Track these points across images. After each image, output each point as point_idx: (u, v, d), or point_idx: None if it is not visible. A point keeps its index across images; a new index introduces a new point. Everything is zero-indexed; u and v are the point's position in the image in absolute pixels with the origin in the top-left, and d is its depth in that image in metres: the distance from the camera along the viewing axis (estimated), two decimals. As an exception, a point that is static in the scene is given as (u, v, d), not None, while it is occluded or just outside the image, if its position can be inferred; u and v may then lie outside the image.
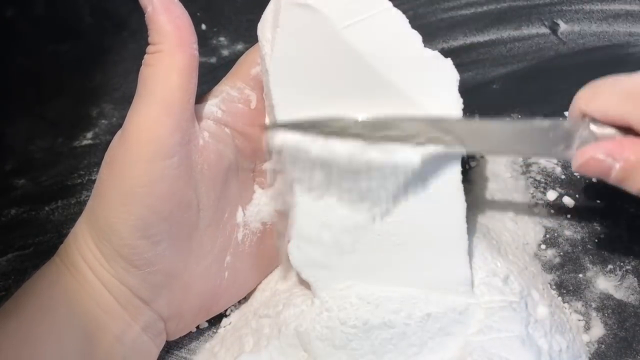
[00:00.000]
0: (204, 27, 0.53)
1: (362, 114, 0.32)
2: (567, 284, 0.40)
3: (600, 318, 0.39)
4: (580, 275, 0.40)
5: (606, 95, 0.31)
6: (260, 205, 0.37)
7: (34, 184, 0.46)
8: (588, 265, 0.41)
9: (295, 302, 0.35)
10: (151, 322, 0.35)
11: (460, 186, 0.34)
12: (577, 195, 0.43)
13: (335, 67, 0.33)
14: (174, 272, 0.34)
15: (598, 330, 0.38)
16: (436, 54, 0.34)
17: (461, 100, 0.33)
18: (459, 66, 0.34)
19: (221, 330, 0.39)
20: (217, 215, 0.36)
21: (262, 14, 0.35)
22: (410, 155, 0.32)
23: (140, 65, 0.33)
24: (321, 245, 0.34)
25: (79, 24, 0.54)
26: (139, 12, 0.33)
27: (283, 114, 0.34)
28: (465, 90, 0.33)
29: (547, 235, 0.42)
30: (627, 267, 0.40)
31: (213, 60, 0.52)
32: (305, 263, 0.34)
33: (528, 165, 0.45)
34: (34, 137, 0.48)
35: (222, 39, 0.53)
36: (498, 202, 0.43)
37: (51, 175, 0.46)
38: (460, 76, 0.34)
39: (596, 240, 0.41)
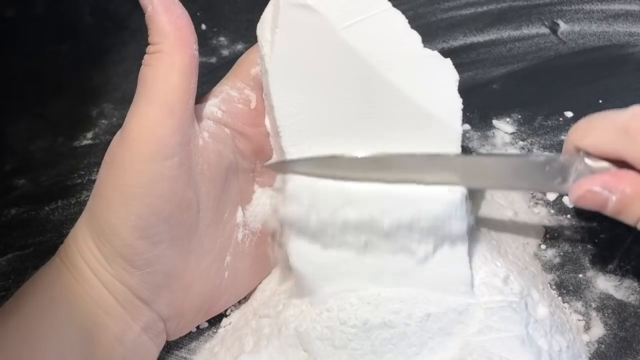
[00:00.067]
0: (204, 27, 0.53)
1: (361, 151, 0.32)
2: (567, 284, 0.40)
3: (600, 318, 0.39)
4: (580, 275, 0.40)
5: (599, 131, 0.32)
6: (260, 205, 0.37)
7: (34, 184, 0.46)
8: (588, 265, 0.41)
9: (295, 302, 0.35)
10: (151, 322, 0.35)
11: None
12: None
13: (334, 67, 0.33)
14: (174, 272, 0.34)
15: (598, 330, 0.38)
16: (435, 54, 0.34)
17: (460, 100, 0.33)
18: (459, 66, 0.34)
19: (221, 330, 0.39)
20: (217, 215, 0.36)
21: (262, 14, 0.35)
22: None
23: (140, 65, 0.33)
24: (321, 246, 0.34)
25: (79, 24, 0.54)
26: (139, 12, 0.33)
27: (283, 118, 0.33)
28: (465, 90, 0.34)
29: (547, 235, 0.42)
30: (627, 267, 0.40)
31: (213, 60, 0.52)
32: (305, 263, 0.34)
33: (528, 165, 0.45)
34: (34, 137, 0.48)
35: (222, 39, 0.53)
36: (498, 202, 0.43)
37: (51, 175, 0.46)
38: (460, 76, 0.34)
39: (596, 240, 0.41)
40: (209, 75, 0.47)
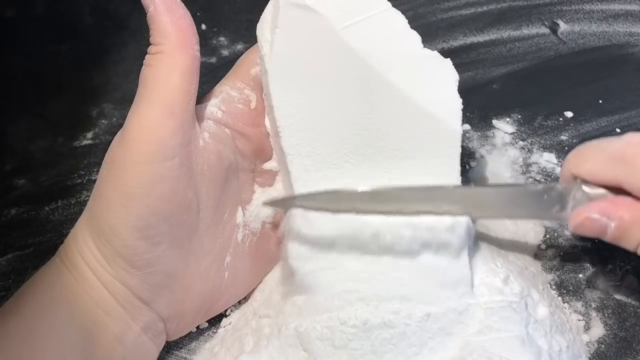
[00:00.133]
0: (204, 27, 0.53)
1: (362, 185, 0.33)
2: (567, 284, 0.40)
3: (600, 318, 0.39)
4: (580, 275, 0.40)
5: (595, 159, 0.32)
6: (260, 205, 0.37)
7: (34, 184, 0.46)
8: (588, 265, 0.41)
9: (295, 302, 0.35)
10: (151, 322, 0.35)
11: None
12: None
13: (334, 67, 0.33)
14: (174, 272, 0.34)
15: (598, 330, 0.38)
16: (435, 54, 0.34)
17: (460, 100, 0.33)
18: (459, 66, 0.34)
19: (221, 330, 0.39)
20: (217, 215, 0.36)
21: (261, 14, 0.35)
22: None
23: (140, 65, 0.33)
24: (321, 249, 0.34)
25: (79, 24, 0.54)
26: (139, 12, 0.33)
27: (283, 118, 0.34)
28: (465, 90, 0.34)
29: (547, 235, 0.42)
30: (627, 267, 0.40)
31: (213, 60, 0.52)
32: (304, 262, 0.34)
33: (528, 166, 0.45)
34: (34, 137, 0.48)
35: (222, 39, 0.53)
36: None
37: (51, 175, 0.46)
38: (460, 76, 0.34)
39: (596, 240, 0.41)
40: (209, 75, 0.47)
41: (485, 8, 0.54)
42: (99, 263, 0.33)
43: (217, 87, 0.36)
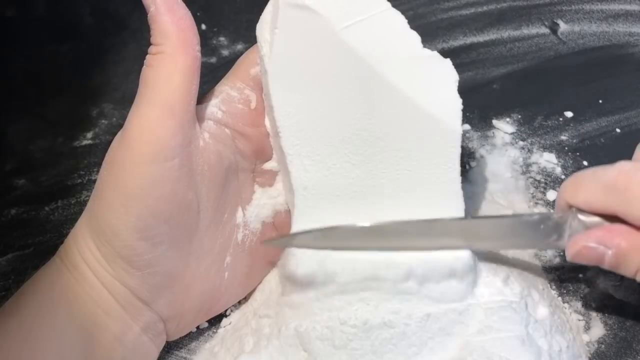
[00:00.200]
0: (204, 27, 0.53)
1: (363, 221, 0.33)
2: (567, 284, 0.40)
3: (600, 318, 0.39)
4: (580, 275, 0.40)
5: (589, 189, 0.33)
6: (260, 205, 0.37)
7: (34, 184, 0.46)
8: (588, 265, 0.41)
9: (296, 302, 0.35)
10: (151, 322, 0.35)
11: (460, 187, 0.34)
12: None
13: (334, 67, 0.33)
14: (174, 273, 0.34)
15: (598, 330, 0.38)
16: (435, 54, 0.34)
17: (460, 100, 0.33)
18: (459, 66, 0.34)
19: (221, 330, 0.39)
20: (217, 216, 0.36)
21: (261, 14, 0.35)
22: None
23: (140, 65, 0.33)
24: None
25: (79, 24, 0.54)
26: (139, 12, 0.33)
27: (282, 118, 0.34)
28: (465, 90, 0.34)
29: (547, 235, 0.42)
30: (627, 267, 0.40)
31: (213, 60, 0.52)
32: (305, 252, 0.34)
33: (528, 165, 0.45)
34: (34, 137, 0.48)
35: (222, 39, 0.53)
36: (498, 202, 0.43)
37: (51, 175, 0.46)
38: (460, 76, 0.34)
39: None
40: (209, 75, 0.47)
41: (485, 8, 0.54)
42: (99, 263, 0.33)
43: (217, 87, 0.36)
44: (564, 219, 0.33)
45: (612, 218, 0.32)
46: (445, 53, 0.34)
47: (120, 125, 0.33)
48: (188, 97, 0.33)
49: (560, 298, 0.39)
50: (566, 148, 0.46)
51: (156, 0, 0.32)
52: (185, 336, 0.38)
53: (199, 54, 0.33)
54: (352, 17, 0.33)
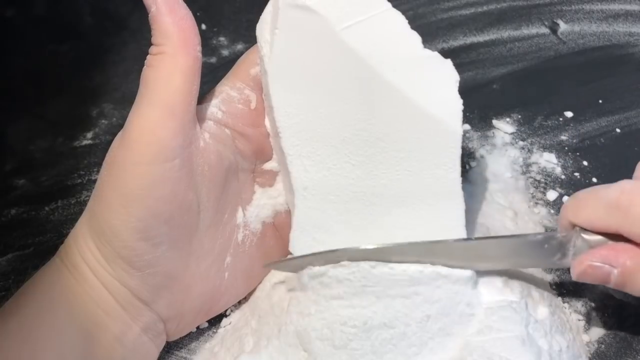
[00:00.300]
0: (204, 27, 0.53)
1: (366, 244, 0.33)
2: (567, 284, 0.40)
3: (600, 318, 0.39)
4: (580, 276, 0.40)
5: (591, 208, 0.33)
6: (260, 205, 0.37)
7: (34, 184, 0.46)
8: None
9: (296, 302, 0.35)
10: (151, 323, 0.35)
11: (460, 187, 0.34)
12: (577, 196, 0.43)
13: (334, 68, 0.33)
14: (174, 273, 0.34)
15: (598, 330, 0.38)
16: (436, 54, 0.34)
17: (461, 101, 0.33)
18: (459, 66, 0.34)
19: (221, 330, 0.39)
20: (217, 216, 0.36)
21: (261, 14, 0.35)
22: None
23: (140, 65, 0.33)
24: (322, 235, 0.34)
25: (79, 24, 0.54)
26: (139, 12, 0.33)
27: (282, 119, 0.34)
28: (465, 90, 0.34)
29: (547, 235, 0.42)
30: (627, 267, 0.40)
31: (213, 60, 0.52)
32: (306, 252, 0.35)
33: (528, 165, 0.45)
34: (34, 137, 0.48)
35: (222, 39, 0.53)
36: (498, 202, 0.42)
37: (51, 175, 0.46)
38: (460, 76, 0.34)
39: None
40: (209, 76, 0.47)
41: (485, 8, 0.54)
42: (99, 263, 0.33)
43: (217, 87, 0.36)
44: (567, 238, 0.33)
45: (615, 236, 0.32)
46: (445, 53, 0.34)
47: (120, 126, 0.33)
48: (189, 97, 0.33)
49: (560, 298, 0.39)
50: (566, 148, 0.46)
51: (157, 0, 0.32)
52: (185, 336, 0.38)
53: (199, 55, 0.33)
54: (352, 18, 0.33)
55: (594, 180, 0.44)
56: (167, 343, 0.37)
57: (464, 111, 0.33)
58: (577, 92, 0.49)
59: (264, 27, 0.35)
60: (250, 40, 0.36)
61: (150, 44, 0.33)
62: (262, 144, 0.37)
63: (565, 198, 0.43)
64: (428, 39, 0.33)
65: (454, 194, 0.34)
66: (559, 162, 0.45)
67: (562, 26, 0.52)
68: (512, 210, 0.42)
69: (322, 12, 0.32)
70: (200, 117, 0.35)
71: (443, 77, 0.33)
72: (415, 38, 0.33)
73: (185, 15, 0.33)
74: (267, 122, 0.37)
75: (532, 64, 0.50)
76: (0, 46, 0.53)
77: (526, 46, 0.51)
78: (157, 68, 0.32)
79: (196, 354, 0.39)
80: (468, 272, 0.34)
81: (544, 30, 0.52)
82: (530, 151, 0.46)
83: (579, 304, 0.39)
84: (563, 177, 0.45)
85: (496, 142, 0.46)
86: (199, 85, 0.33)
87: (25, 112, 0.49)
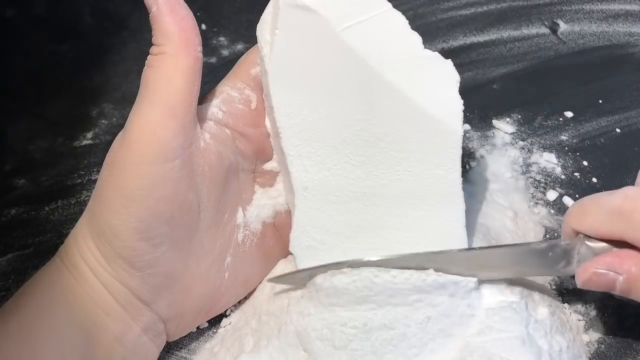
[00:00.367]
0: (204, 27, 0.53)
1: (370, 255, 0.33)
2: (567, 284, 0.40)
3: (600, 318, 0.39)
4: (580, 275, 0.40)
5: (594, 216, 0.33)
6: (260, 206, 0.37)
7: (34, 184, 0.46)
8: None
9: (295, 302, 0.35)
10: (151, 323, 0.35)
11: (460, 187, 0.34)
12: (577, 195, 0.44)
13: (334, 68, 0.33)
14: (174, 273, 0.34)
15: (598, 330, 0.38)
16: (436, 55, 0.34)
17: (461, 101, 0.33)
18: (459, 66, 0.34)
19: (221, 330, 0.39)
20: (218, 216, 0.36)
21: (262, 14, 0.35)
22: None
23: (140, 65, 0.33)
24: (323, 235, 0.34)
25: (79, 24, 0.54)
26: (139, 12, 0.33)
27: (283, 119, 0.34)
28: (465, 90, 0.34)
29: (547, 235, 0.42)
30: (627, 267, 0.40)
31: (213, 60, 0.52)
32: (306, 253, 0.35)
33: (528, 165, 0.45)
34: (34, 137, 0.48)
35: (222, 39, 0.53)
36: (498, 202, 0.43)
37: (51, 175, 0.46)
38: (460, 76, 0.34)
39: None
40: (210, 76, 0.47)
41: (485, 8, 0.54)
42: (99, 263, 0.33)
43: (217, 87, 0.36)
44: (571, 246, 0.33)
45: (619, 243, 0.32)
46: (445, 53, 0.34)
47: (120, 125, 0.33)
48: (189, 97, 0.33)
49: (560, 298, 0.39)
50: (566, 148, 0.46)
51: (158, 0, 0.32)
52: (185, 336, 0.38)
53: (200, 55, 0.33)
54: (352, 18, 0.33)
55: (594, 180, 0.44)
56: (167, 343, 0.37)
57: (464, 111, 0.33)
58: (577, 92, 0.49)
59: (264, 28, 0.34)
60: (250, 40, 0.36)
61: (150, 44, 0.33)
62: (262, 144, 0.37)
63: (565, 198, 0.43)
64: (428, 39, 0.33)
65: (454, 194, 0.34)
66: (559, 162, 0.45)
67: (562, 26, 0.52)
68: (512, 210, 0.42)
69: (322, 13, 0.32)
70: (200, 117, 0.35)
71: (443, 77, 0.33)
72: (416, 38, 0.33)
73: (186, 16, 0.33)
74: (267, 122, 0.37)
75: (532, 64, 0.50)
76: (0, 46, 0.53)
77: (526, 46, 0.51)
78: (158, 68, 0.32)
79: (196, 354, 0.39)
80: (472, 282, 0.34)
81: (544, 30, 0.52)
82: (530, 151, 0.46)
83: (579, 304, 0.39)
84: (563, 177, 0.45)
85: (496, 142, 0.46)
86: (199, 86, 0.33)
87: (25, 112, 0.49)
